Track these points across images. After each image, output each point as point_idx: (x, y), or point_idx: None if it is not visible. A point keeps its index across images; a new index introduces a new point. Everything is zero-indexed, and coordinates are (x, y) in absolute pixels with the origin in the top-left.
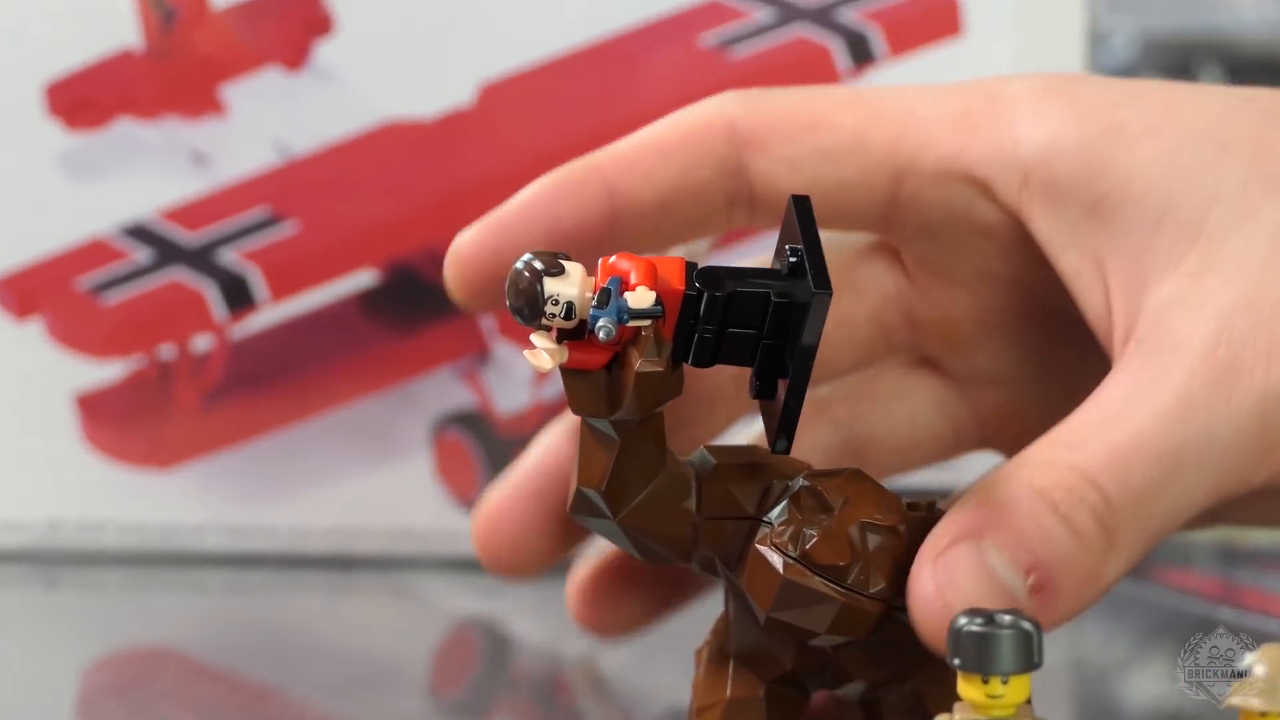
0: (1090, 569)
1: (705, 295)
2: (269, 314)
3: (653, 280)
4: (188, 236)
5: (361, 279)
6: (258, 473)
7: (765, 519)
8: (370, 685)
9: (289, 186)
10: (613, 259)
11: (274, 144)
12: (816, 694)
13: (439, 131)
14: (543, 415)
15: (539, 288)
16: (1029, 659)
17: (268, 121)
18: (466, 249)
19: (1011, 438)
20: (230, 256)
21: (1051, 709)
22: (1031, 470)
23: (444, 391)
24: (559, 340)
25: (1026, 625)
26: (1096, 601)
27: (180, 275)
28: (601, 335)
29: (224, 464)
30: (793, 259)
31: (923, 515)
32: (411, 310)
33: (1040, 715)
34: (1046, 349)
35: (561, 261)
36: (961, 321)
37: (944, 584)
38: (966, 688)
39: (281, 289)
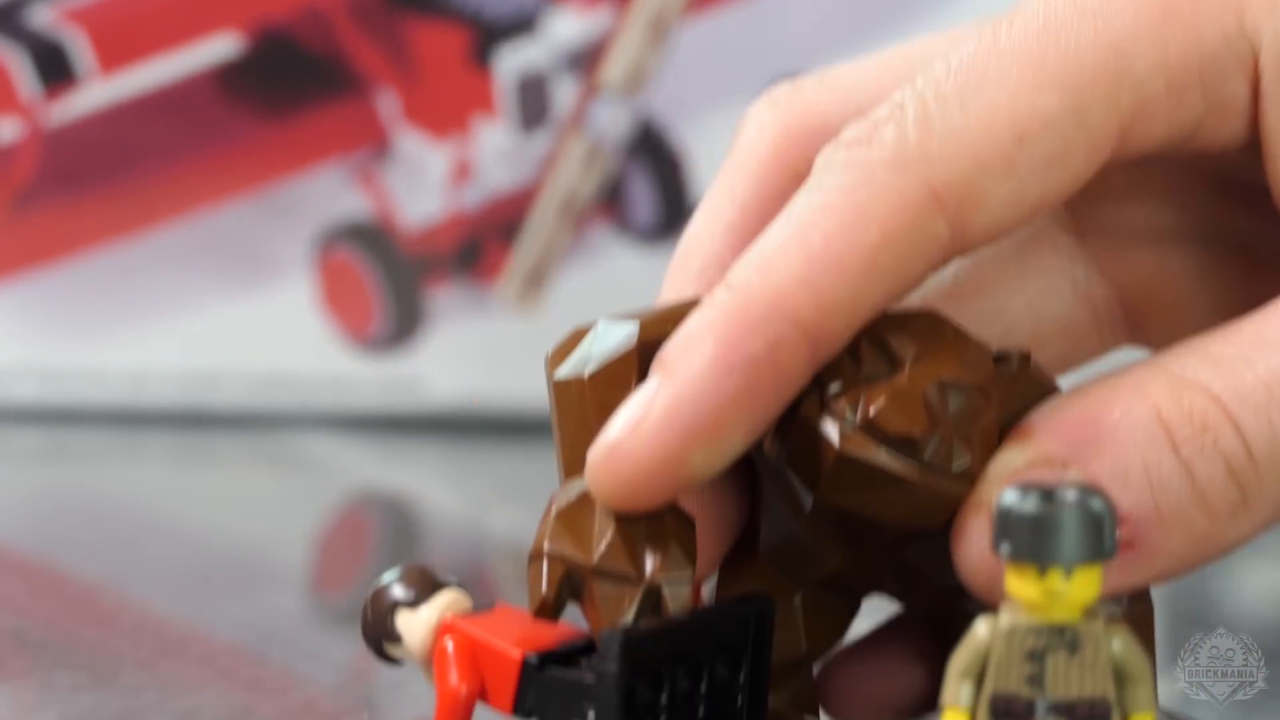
0: (1204, 531)
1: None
2: (96, 92)
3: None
4: None
5: (219, 47)
6: (84, 300)
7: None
8: (233, 580)
9: None
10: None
11: None
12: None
13: None
14: (463, 228)
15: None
16: (1099, 545)
17: None
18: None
19: (1168, 324)
20: (44, 17)
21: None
22: (1161, 387)
23: (330, 197)
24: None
25: (1096, 503)
26: (1208, 564)
27: None
28: None
29: (39, 289)
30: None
31: (1014, 372)
32: (286, 89)
33: (1114, 613)
34: (1217, 207)
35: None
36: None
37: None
38: (1018, 582)
39: (112, 59)
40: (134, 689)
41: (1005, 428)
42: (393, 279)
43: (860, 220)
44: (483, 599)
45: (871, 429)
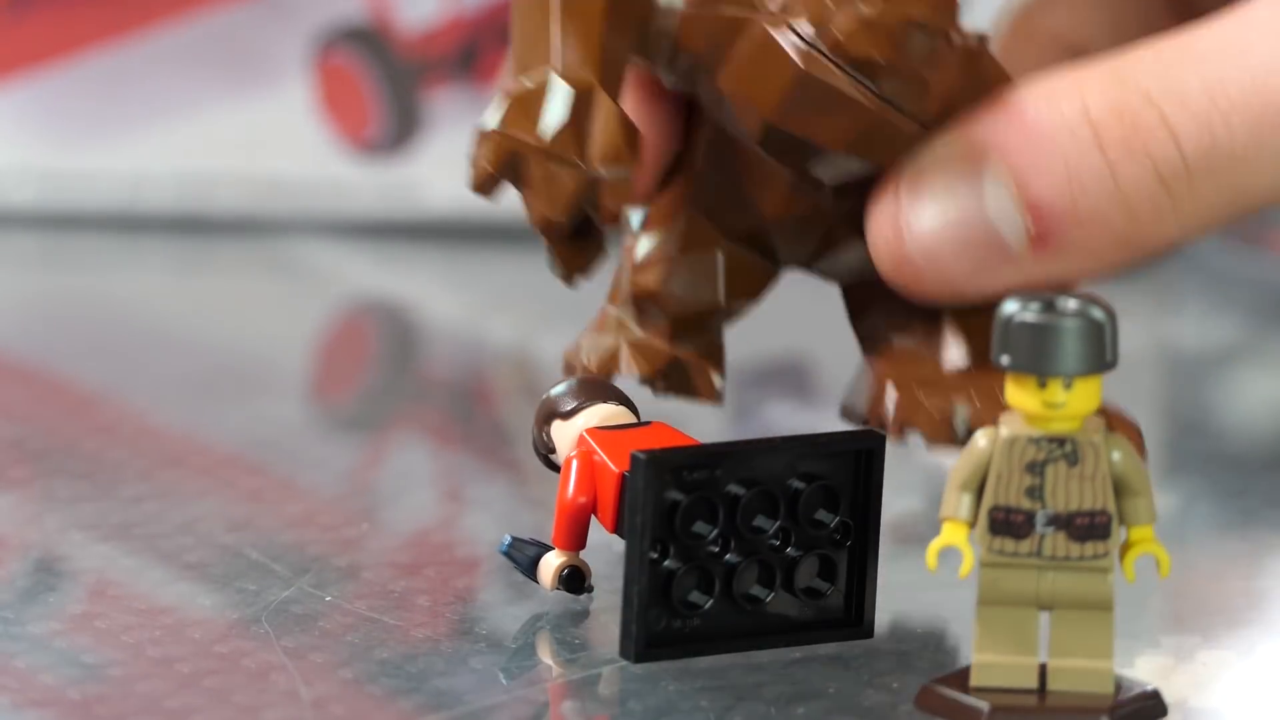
0: (1124, 232)
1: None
2: None
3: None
4: None
5: None
6: (81, 104)
7: (779, 15)
8: (232, 388)
9: None
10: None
11: None
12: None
13: None
14: (461, 31)
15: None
16: (1099, 356)
17: None
18: None
19: None
20: None
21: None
22: (1098, 86)
23: None
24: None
25: (1097, 313)
26: (1129, 269)
27: None
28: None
29: (35, 92)
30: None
31: (974, 47)
32: None
33: (1115, 432)
34: None
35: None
36: None
37: (914, 204)
38: (1018, 393)
39: None
40: (134, 499)
41: (963, 88)
42: (391, 83)
43: None
44: (481, 419)
45: (836, 50)
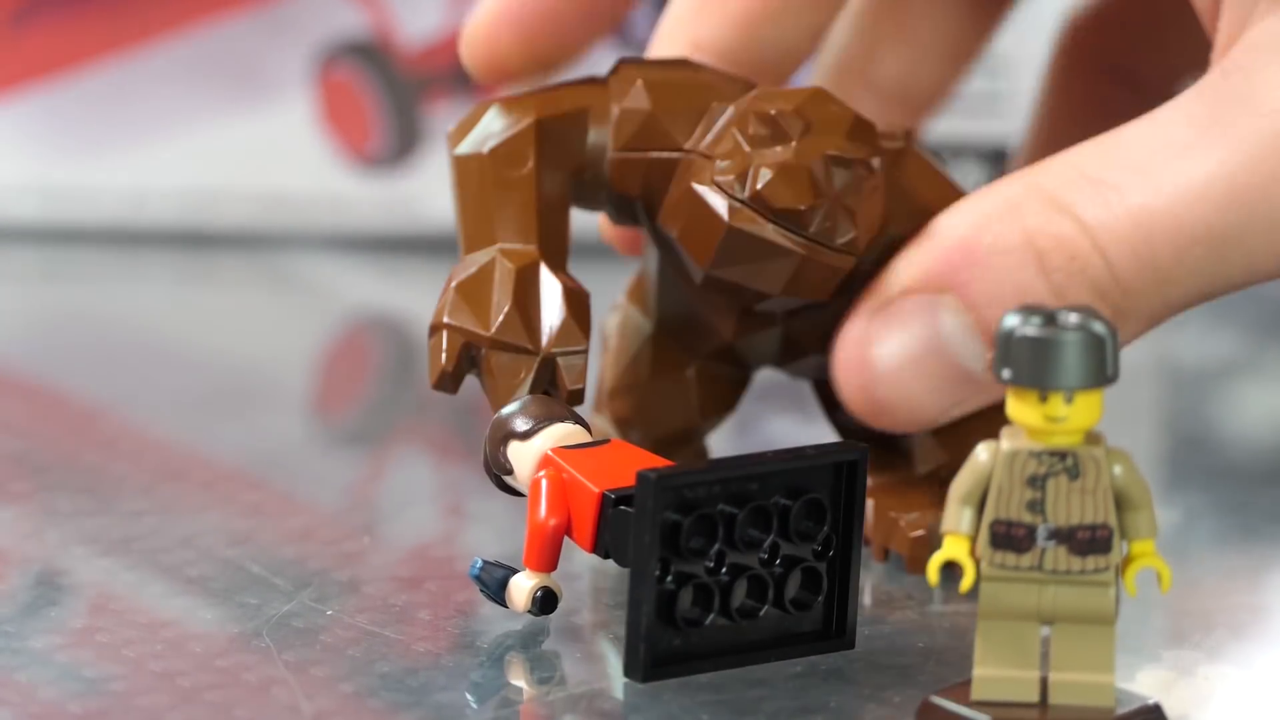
0: None
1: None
2: None
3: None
4: None
5: None
6: (83, 118)
7: (702, 152)
8: (233, 401)
9: None
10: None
11: None
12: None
13: None
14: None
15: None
16: (1101, 370)
17: None
18: (482, 32)
19: None
20: None
21: (1131, 432)
22: (1035, 210)
23: (329, 13)
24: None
25: (1098, 327)
26: None
27: None
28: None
29: (39, 106)
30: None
31: (899, 148)
32: None
33: (1116, 444)
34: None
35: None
36: None
37: (876, 347)
38: (1019, 407)
39: None
40: (135, 513)
41: (891, 202)
42: (392, 97)
43: None
44: (481, 432)
45: (759, 202)
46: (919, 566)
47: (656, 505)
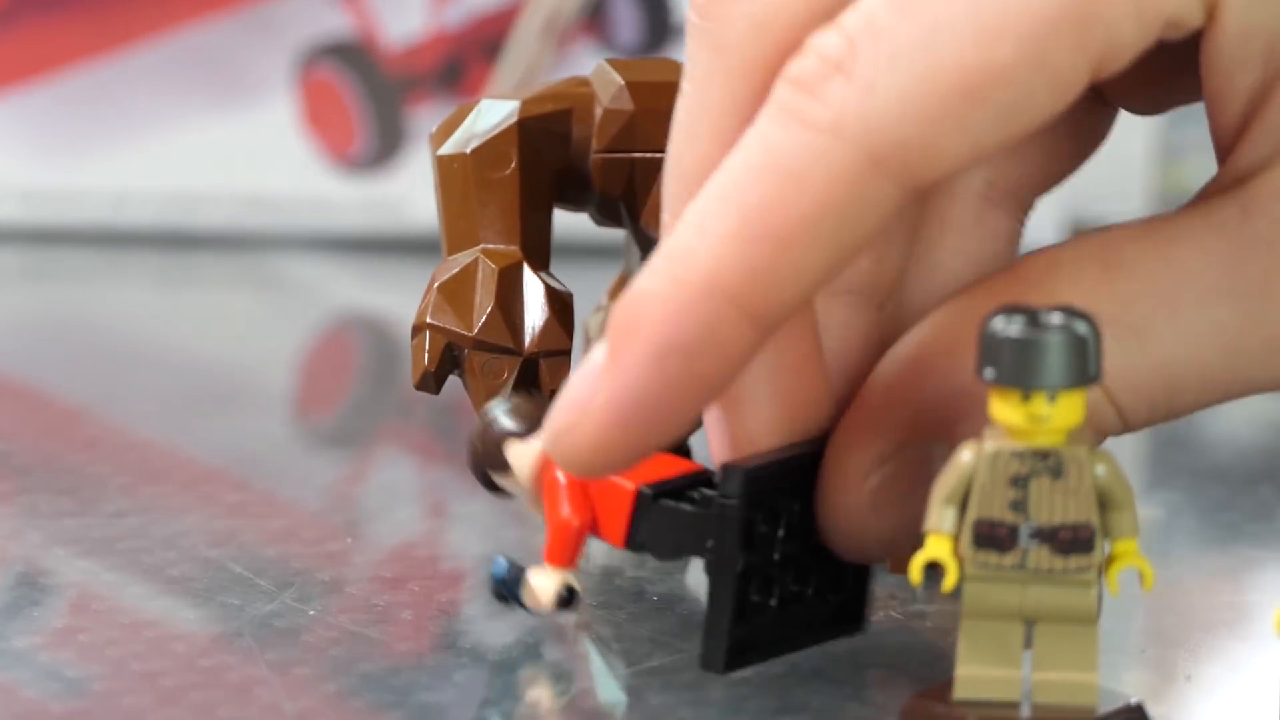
0: None
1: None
2: None
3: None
4: None
5: None
6: (64, 119)
7: None
8: (216, 403)
9: None
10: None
11: None
12: None
13: None
14: (445, 47)
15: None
16: (1083, 370)
17: None
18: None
19: None
20: None
21: (1119, 437)
22: None
23: (311, 14)
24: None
25: (1081, 327)
26: None
27: None
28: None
29: (19, 108)
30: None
31: None
32: None
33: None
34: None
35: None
36: None
37: (868, 507)
38: (1002, 407)
39: None
40: (117, 514)
41: None
42: (375, 98)
43: (797, 188)
44: (466, 422)
45: None
46: (901, 566)
47: (745, 499)
